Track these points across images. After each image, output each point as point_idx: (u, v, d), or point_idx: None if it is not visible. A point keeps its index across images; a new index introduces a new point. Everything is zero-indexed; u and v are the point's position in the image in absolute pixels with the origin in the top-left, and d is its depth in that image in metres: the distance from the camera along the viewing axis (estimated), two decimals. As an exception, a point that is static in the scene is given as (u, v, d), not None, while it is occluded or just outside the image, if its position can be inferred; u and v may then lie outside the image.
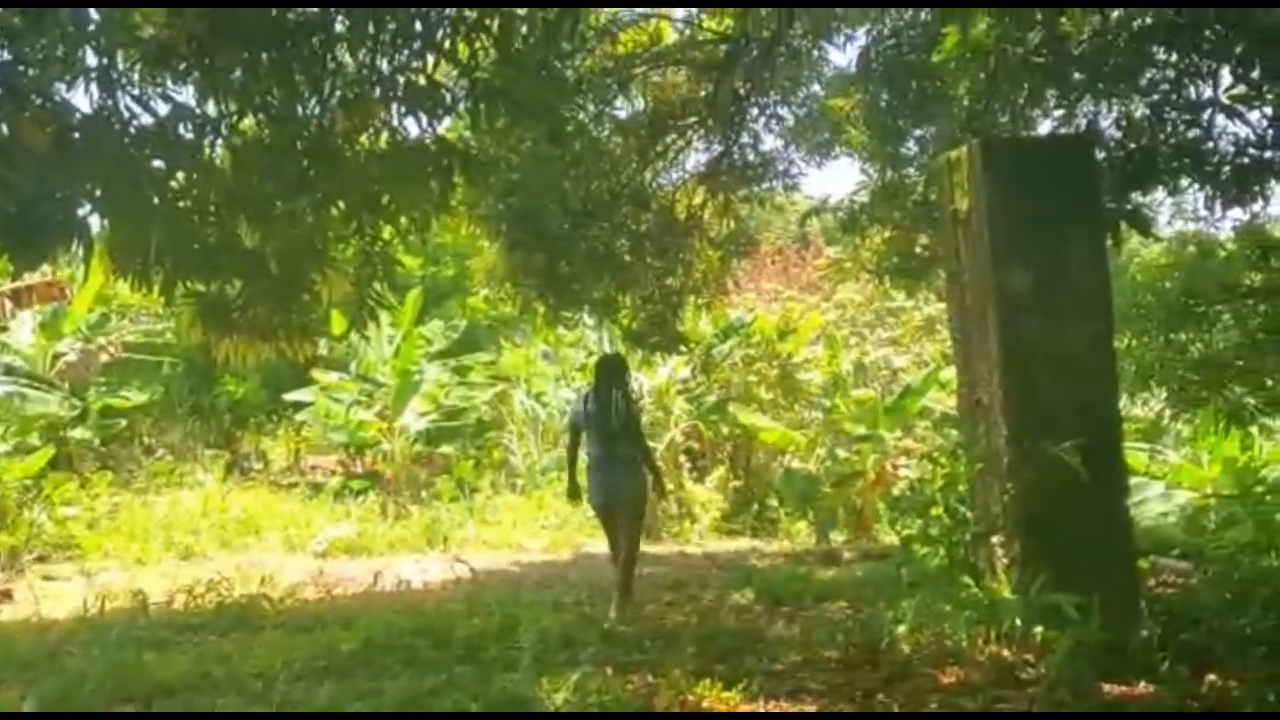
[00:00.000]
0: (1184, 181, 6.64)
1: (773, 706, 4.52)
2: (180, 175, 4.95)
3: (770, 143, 10.01)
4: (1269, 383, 10.08)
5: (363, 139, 5.47)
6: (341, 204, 5.70)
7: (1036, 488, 4.96)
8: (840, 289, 17.32)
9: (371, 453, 16.62)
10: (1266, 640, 4.56)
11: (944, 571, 5.21)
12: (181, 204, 5.03)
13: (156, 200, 4.76)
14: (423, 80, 5.12)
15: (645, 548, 12.03)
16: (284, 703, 4.42)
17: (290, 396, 16.72)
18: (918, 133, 8.75)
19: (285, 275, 5.62)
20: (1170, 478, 14.32)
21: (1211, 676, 4.51)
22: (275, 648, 5.60)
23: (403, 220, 5.97)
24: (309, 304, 6.00)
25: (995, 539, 5.18)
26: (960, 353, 5.63)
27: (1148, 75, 6.35)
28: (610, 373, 7.45)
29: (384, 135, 5.46)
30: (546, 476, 15.55)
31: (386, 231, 6.31)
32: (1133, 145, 6.50)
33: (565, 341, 17.22)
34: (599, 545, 12.14)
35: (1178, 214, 11.74)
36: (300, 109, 5.15)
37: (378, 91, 5.11)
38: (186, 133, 4.83)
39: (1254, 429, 10.85)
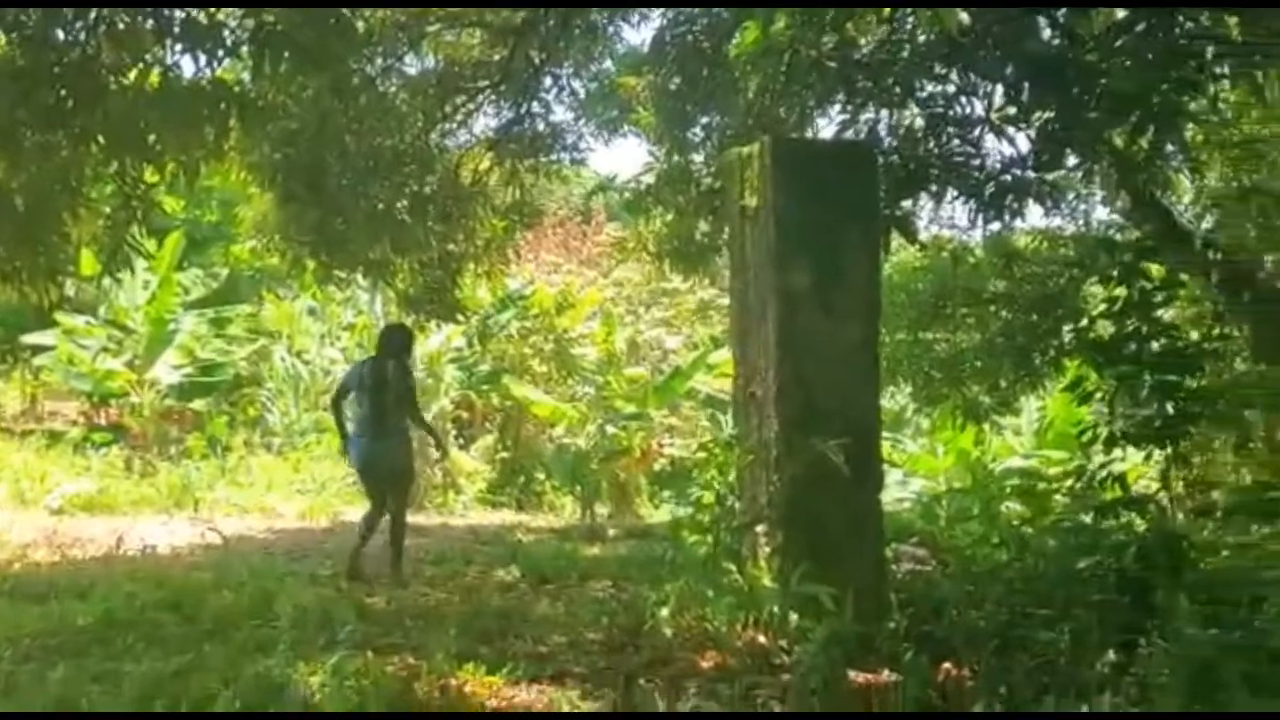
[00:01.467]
0: (950, 193, 7.00)
1: (536, 691, 4.49)
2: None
3: (560, 114, 9.95)
4: (1003, 383, 10.89)
5: (131, 74, 5.05)
6: (101, 140, 5.27)
7: (801, 481, 5.13)
8: (619, 267, 17.46)
9: (118, 404, 15.55)
10: (998, 634, 4.86)
11: (709, 558, 5.32)
12: (-87, 128, 4.52)
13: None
14: (203, 18, 4.76)
15: (408, 518, 11.84)
16: (8, 686, 4.03)
17: (29, 339, 15.41)
18: (705, 120, 8.87)
19: (33, 213, 5.16)
20: (908, 466, 15.30)
21: (948, 666, 4.79)
22: (1, 620, 5.11)
23: (170, 164, 5.58)
24: (58, 244, 5.53)
25: (760, 528, 5.33)
26: (738, 346, 5.74)
27: (927, 89, 6.64)
28: (394, 343, 7.46)
29: (155, 72, 5.06)
30: (305, 439, 15.00)
31: (150, 174, 5.90)
32: (907, 155, 6.80)
33: (334, 299, 16.61)
34: (359, 512, 11.81)
35: (934, 220, 12.42)
36: (60, 33, 4.70)
37: (151, 24, 4.72)
38: (-79, 49, 4.33)
39: (986, 425, 11.65)
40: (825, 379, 5.27)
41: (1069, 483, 5.62)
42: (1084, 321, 5.59)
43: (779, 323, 5.25)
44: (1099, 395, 5.53)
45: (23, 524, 8.92)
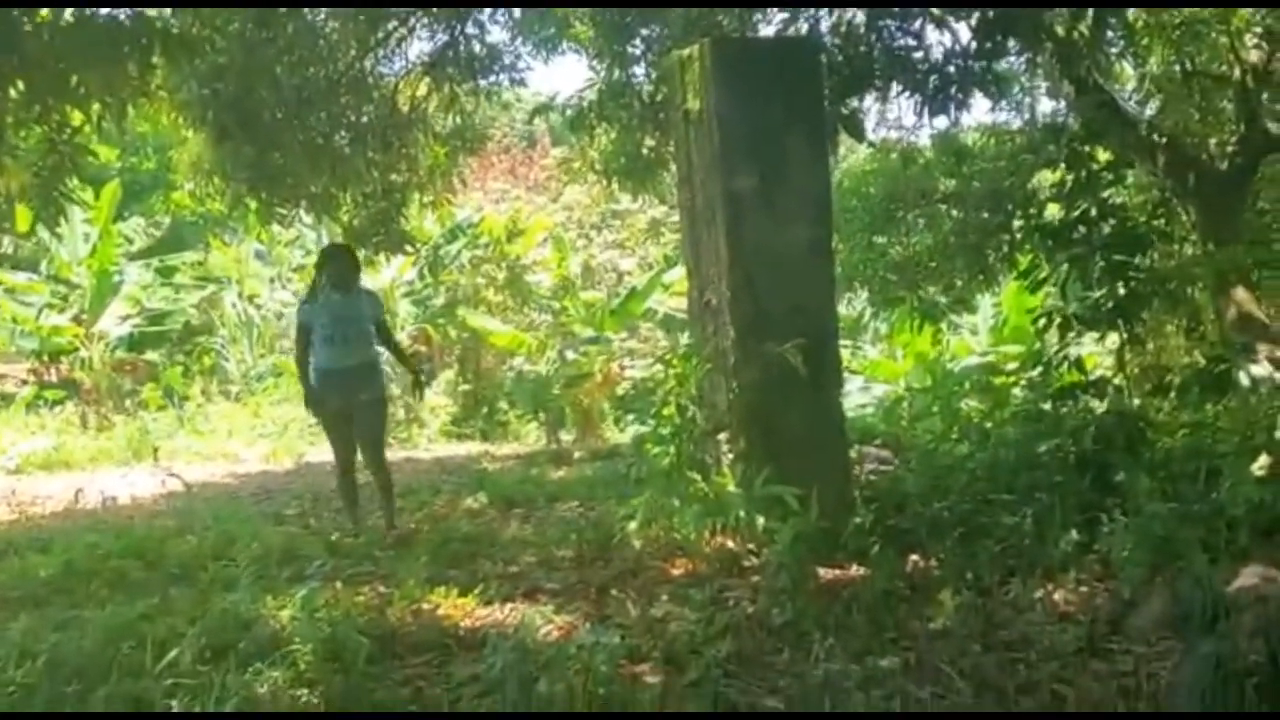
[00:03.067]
0: (895, 89, 6.93)
1: (510, 609, 4.50)
2: None
3: (497, 34, 9.70)
4: (958, 283, 10.94)
5: (44, 12, 4.84)
6: (21, 85, 5.07)
7: (760, 386, 5.12)
8: (567, 190, 17.26)
9: (67, 360, 15.29)
10: (962, 522, 4.92)
11: (673, 469, 5.32)
12: None
13: None
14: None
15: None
16: (-31, 640, 3.97)
17: (-32, 300, 15.07)
18: (645, 31, 8.70)
19: (-45, 165, 4.96)
20: (868, 372, 15.41)
21: (915, 558, 4.86)
22: (-41, 579, 5.03)
23: (95, 106, 5.38)
24: (-14, 198, 5.36)
25: (721, 436, 5.34)
26: (690, 255, 5.68)
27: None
28: (341, 264, 6.67)
29: (70, 10, 4.86)
30: (263, 384, 14.86)
31: (76, 117, 5.70)
32: (850, 53, 6.72)
33: (281, 241, 16.35)
34: (322, 453, 11.71)
35: (882, 122, 12.35)
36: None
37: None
38: None
39: (944, 325, 11.72)
40: (778, 283, 5.23)
41: (1027, 370, 5.63)
42: (1033, 209, 5.55)
43: (728, 228, 5.19)
44: (1051, 282, 5.55)
45: (-21, 486, 8.78)
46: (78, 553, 5.20)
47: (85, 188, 13.37)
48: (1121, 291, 5.15)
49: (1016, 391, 7.47)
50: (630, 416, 16.06)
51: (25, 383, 15.88)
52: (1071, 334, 5.37)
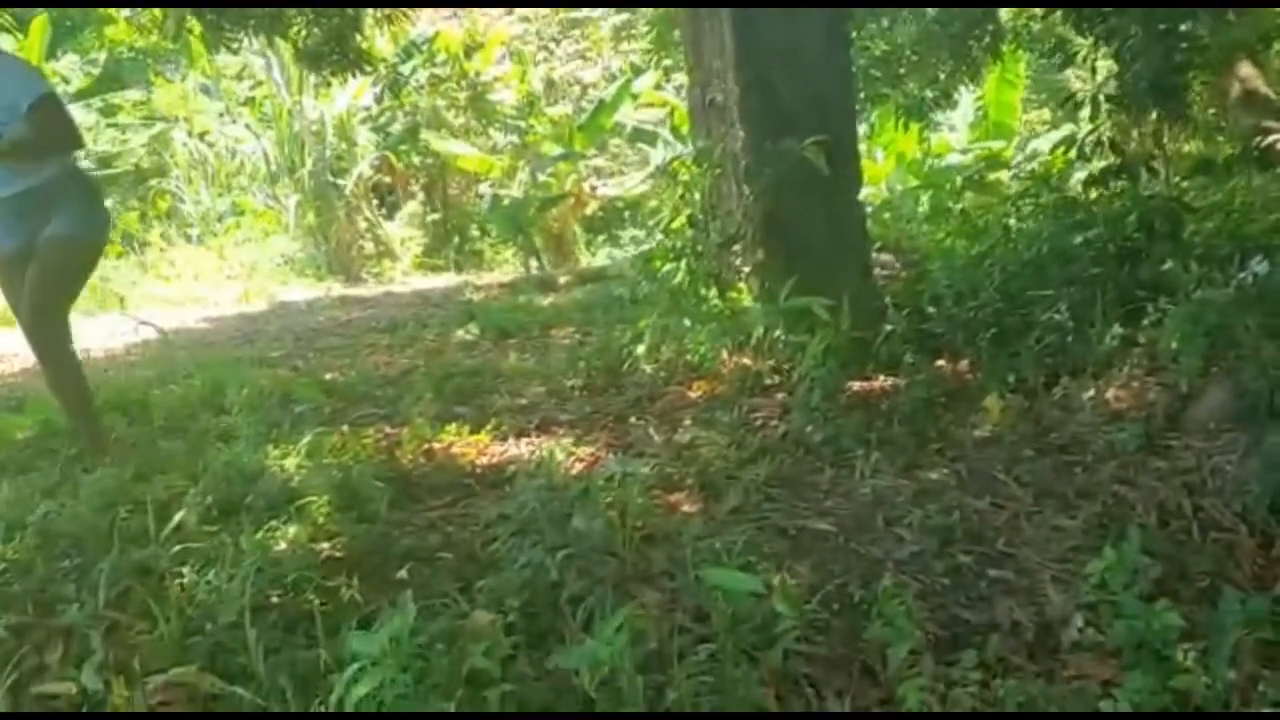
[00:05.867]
0: None
1: (526, 443, 4.23)
2: None
3: None
4: (941, 76, 10.48)
5: None
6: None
7: (776, 190, 4.74)
8: (524, -2, 16.35)
9: (14, 208, 14.56)
10: (994, 323, 4.63)
11: (684, 286, 5.00)
12: None
13: None
14: None
15: (346, 290, 11.43)
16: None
17: (-105, 154, 14.19)
18: None
19: None
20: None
21: (947, 363, 4.61)
22: (-71, 445, 4.65)
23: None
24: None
25: (736, 247, 4.99)
26: (690, 51, 5.20)
27: None
28: None
29: None
30: (224, 224, 14.29)
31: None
32: None
33: (227, 73, 15.46)
34: (297, 291, 11.33)
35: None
36: None
37: None
38: None
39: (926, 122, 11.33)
40: (790, 76, 4.78)
41: (1062, 150, 5.21)
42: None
43: (734, 15, 4.70)
44: (1081, 58, 5.13)
45: (-66, 345, 8.30)
46: (54, 411, 4.83)
47: (14, 28, 12.50)
48: (1162, 63, 4.72)
49: (1008, 181, 7.10)
50: (602, 239, 15.71)
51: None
52: (1101, 115, 4.98)
